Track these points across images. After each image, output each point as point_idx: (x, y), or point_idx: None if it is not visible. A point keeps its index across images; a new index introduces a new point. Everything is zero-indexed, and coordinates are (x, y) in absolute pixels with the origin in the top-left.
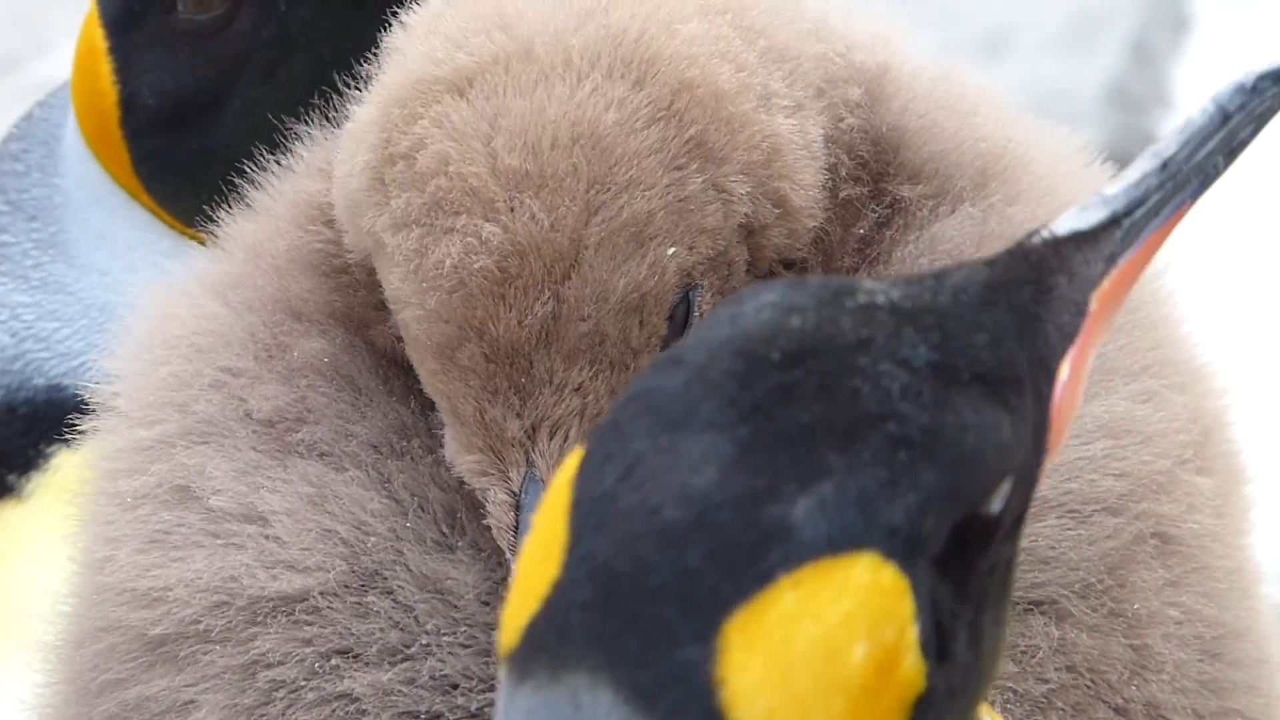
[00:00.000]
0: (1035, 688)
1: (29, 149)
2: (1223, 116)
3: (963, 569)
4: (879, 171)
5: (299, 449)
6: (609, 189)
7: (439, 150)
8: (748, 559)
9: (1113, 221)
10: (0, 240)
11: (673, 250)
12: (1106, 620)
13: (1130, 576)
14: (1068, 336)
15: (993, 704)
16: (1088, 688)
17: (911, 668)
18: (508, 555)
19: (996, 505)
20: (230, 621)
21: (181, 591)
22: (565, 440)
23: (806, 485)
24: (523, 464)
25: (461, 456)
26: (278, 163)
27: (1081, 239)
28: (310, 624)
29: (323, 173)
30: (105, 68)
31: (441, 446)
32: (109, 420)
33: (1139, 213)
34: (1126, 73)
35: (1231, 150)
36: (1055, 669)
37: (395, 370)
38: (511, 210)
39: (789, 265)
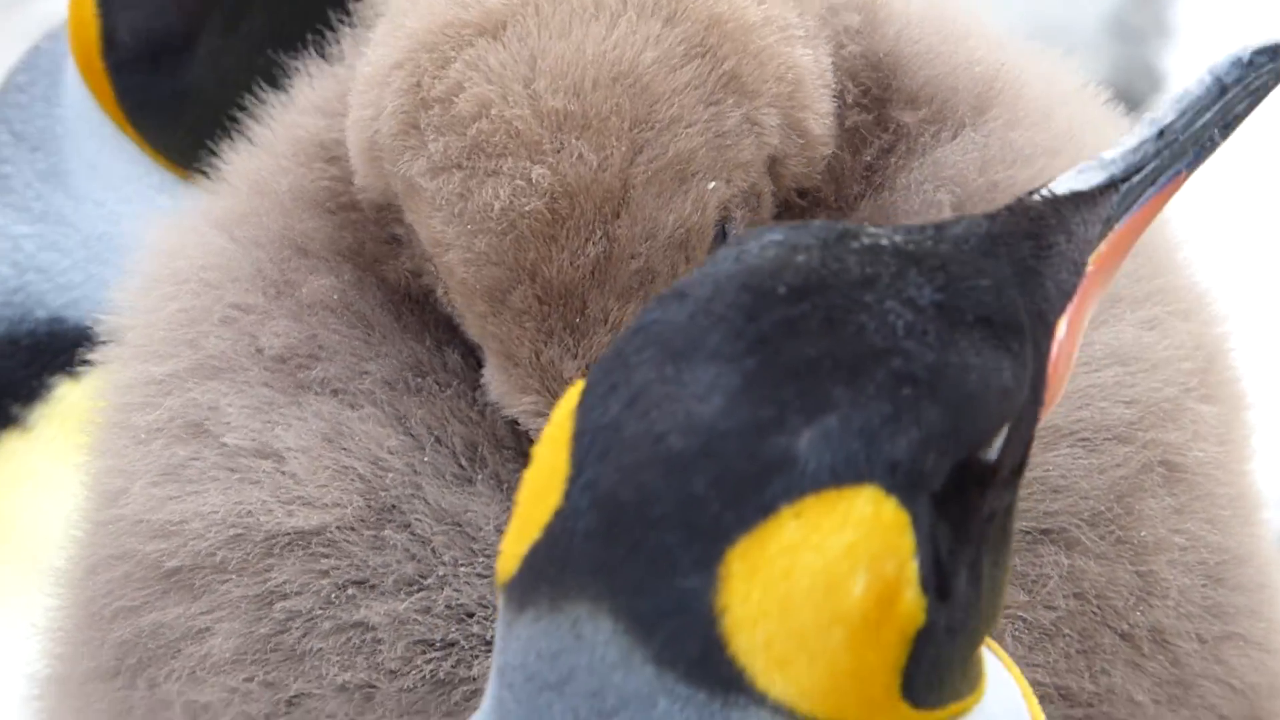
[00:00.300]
0: (1044, 615)
1: (34, 80)
2: (1219, 89)
3: (962, 511)
4: (881, 98)
5: (313, 386)
6: (653, 127)
7: (478, 94)
8: (751, 488)
9: (1111, 185)
10: (3, 171)
11: (713, 185)
12: (1114, 548)
13: (1138, 505)
14: (1065, 294)
15: (1002, 633)
16: (1094, 614)
17: (912, 602)
18: None
19: (994, 451)
20: (247, 554)
21: (197, 525)
22: None
23: (811, 417)
24: None
25: (517, 399)
26: (274, 99)
27: (1080, 200)
28: (327, 556)
29: (321, 110)
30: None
31: (459, 380)
32: (119, 353)
33: (1136, 178)
34: (1126, 4)
35: (1227, 124)
36: (1064, 596)
37: (408, 306)
38: (559, 151)
39: (803, 194)
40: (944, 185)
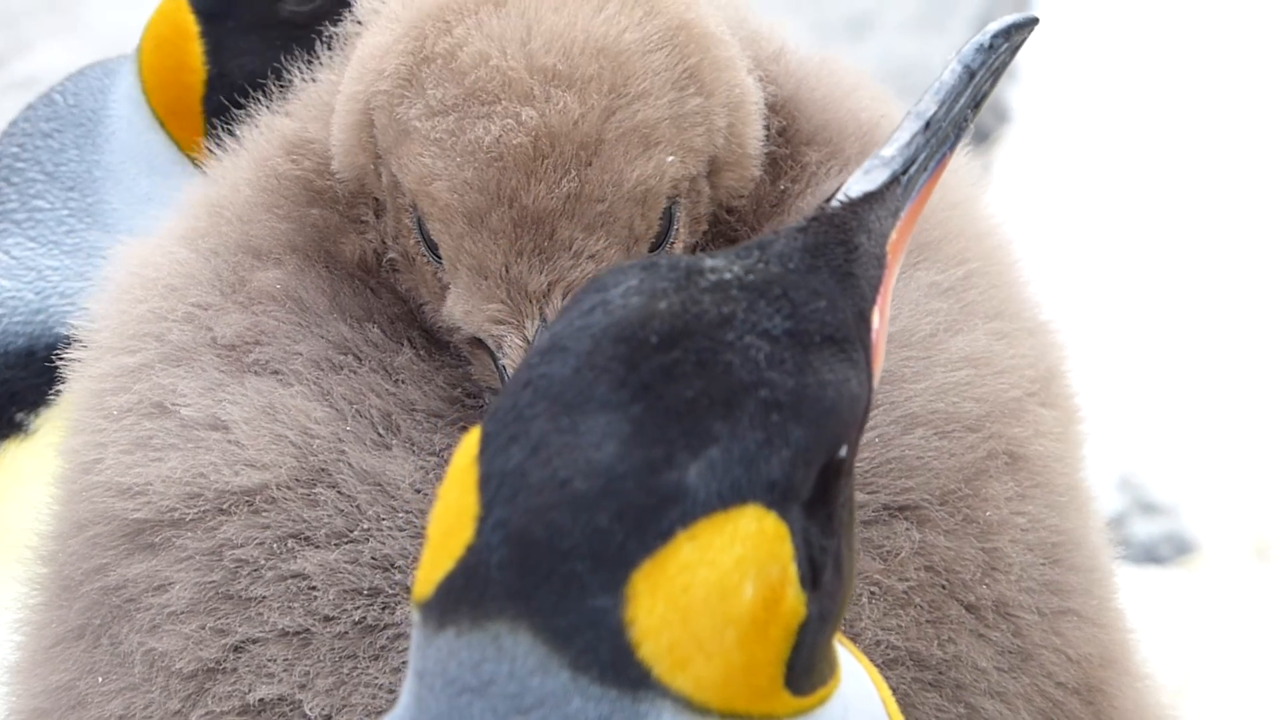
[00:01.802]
0: (897, 584)
1: (61, 129)
2: (969, 74)
3: (826, 508)
4: (793, 136)
5: (254, 368)
6: (626, 95)
7: (478, 49)
8: (650, 519)
9: (894, 180)
10: (35, 206)
11: (670, 159)
12: (962, 525)
13: (984, 487)
14: (875, 287)
15: (859, 597)
16: (943, 587)
17: (794, 599)
18: None
19: (844, 449)
20: (201, 510)
21: (160, 486)
22: None
23: (696, 452)
24: (537, 316)
25: (479, 307)
26: (234, 135)
27: (872, 198)
28: (268, 512)
29: (293, 114)
30: (196, 48)
31: (380, 353)
32: (94, 350)
33: (913, 169)
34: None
35: (977, 103)
36: (915, 569)
37: (346, 288)
38: (547, 100)
39: (730, 211)
40: None
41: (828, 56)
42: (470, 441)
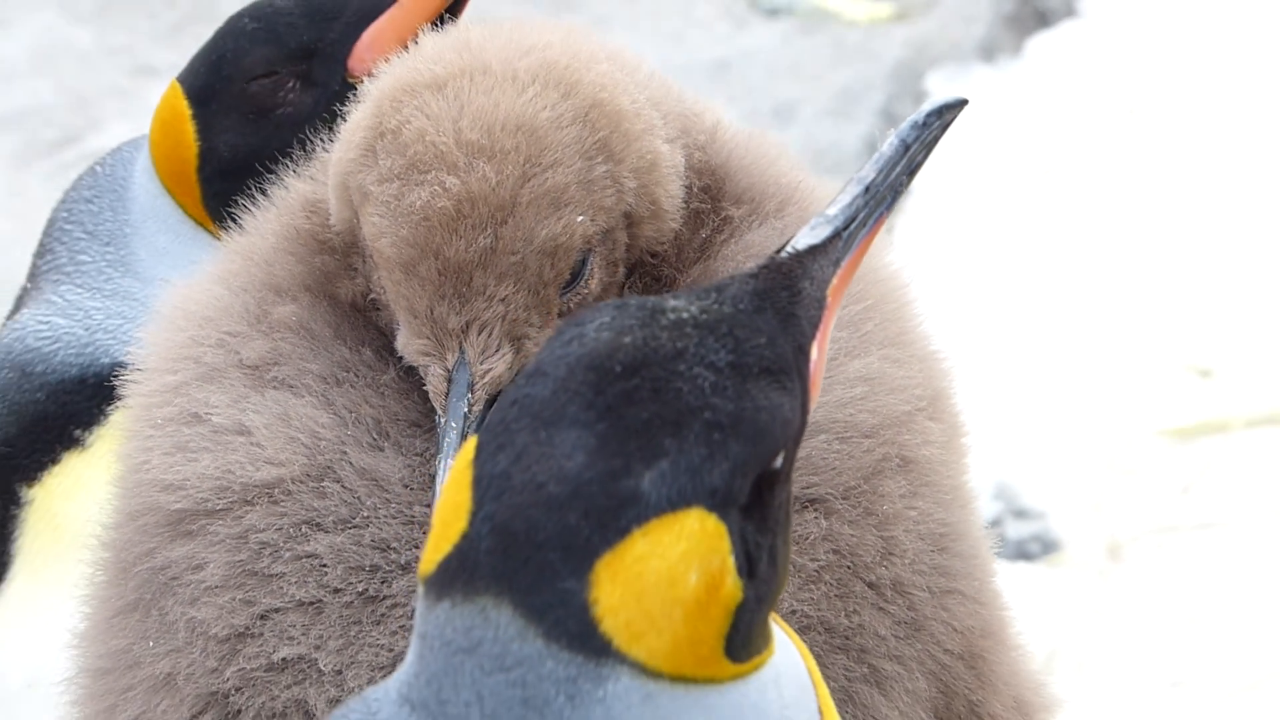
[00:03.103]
0: (809, 563)
1: (99, 194)
2: (904, 147)
3: (761, 510)
4: (716, 194)
5: (273, 383)
6: (539, 165)
7: (418, 126)
8: (610, 518)
9: (836, 235)
10: (79, 260)
11: (580, 218)
12: (862, 516)
13: (880, 485)
14: (814, 325)
15: None
16: (848, 567)
17: (732, 585)
18: (439, 414)
19: (780, 461)
20: (229, 501)
21: (196, 481)
22: (489, 336)
23: (650, 463)
24: (456, 350)
25: (412, 342)
26: (265, 193)
27: (816, 250)
28: (284, 503)
29: (313, 179)
30: (189, 128)
31: (373, 373)
32: (144, 371)
33: (853, 226)
34: (878, 132)
35: (911, 171)
36: (824, 551)
37: (346, 320)
38: (469, 169)
39: (654, 255)
40: (751, 257)
41: (755, 132)
42: (469, 448)
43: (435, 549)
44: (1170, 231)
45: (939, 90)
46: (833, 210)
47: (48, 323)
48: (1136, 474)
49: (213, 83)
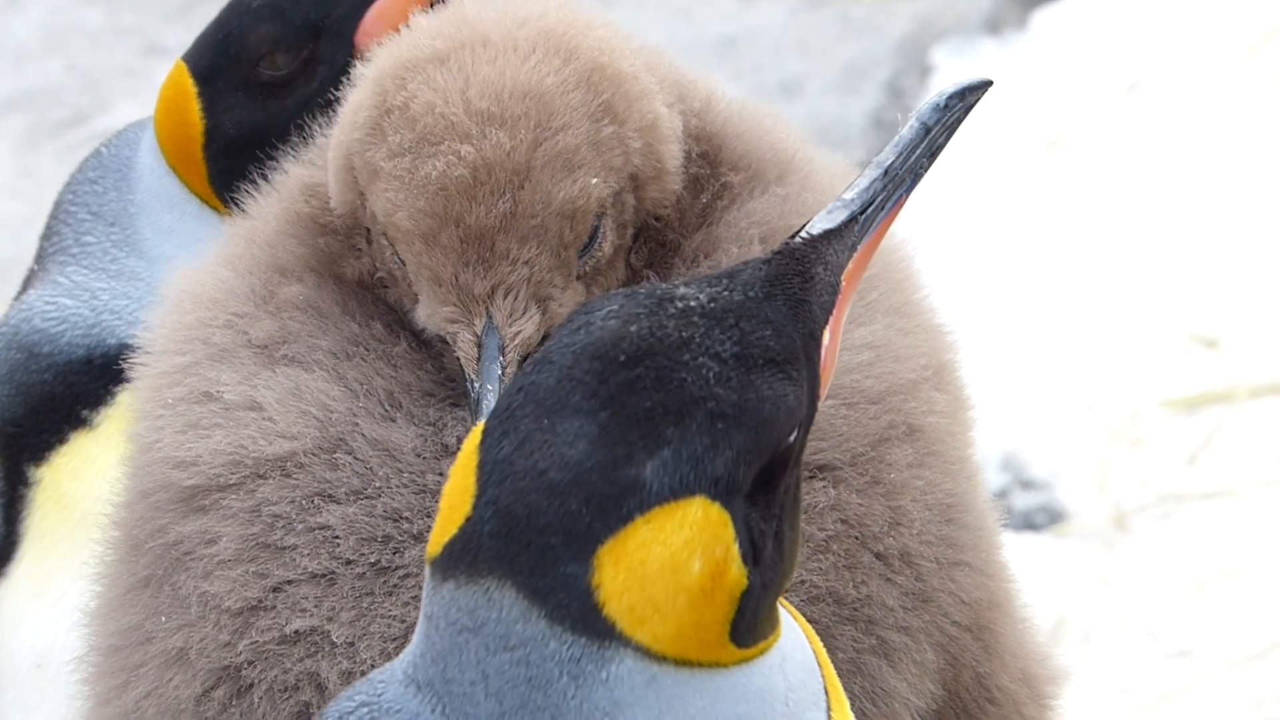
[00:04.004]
0: (818, 533)
1: (104, 175)
2: (925, 130)
3: (766, 497)
4: (714, 160)
5: (283, 361)
6: (549, 129)
7: (426, 99)
8: (613, 506)
9: (852, 219)
10: (85, 241)
11: (595, 180)
12: (870, 485)
13: (887, 453)
14: (827, 310)
15: None
16: (856, 537)
17: (737, 572)
18: (469, 376)
19: (791, 442)
20: (243, 475)
21: (208, 457)
22: (515, 299)
23: (652, 452)
24: (483, 315)
25: (439, 311)
26: (269, 173)
27: (831, 235)
28: (297, 475)
29: (311, 164)
30: (195, 106)
31: (382, 346)
32: (153, 353)
33: (870, 210)
34: (884, 107)
35: (933, 154)
36: (832, 521)
37: (354, 298)
38: (483, 137)
39: (658, 219)
40: (754, 225)
41: (749, 101)
42: (475, 434)
43: (441, 531)
44: (1175, 203)
45: (945, 65)
46: (850, 194)
47: (54, 303)
48: (1143, 444)
49: (219, 61)
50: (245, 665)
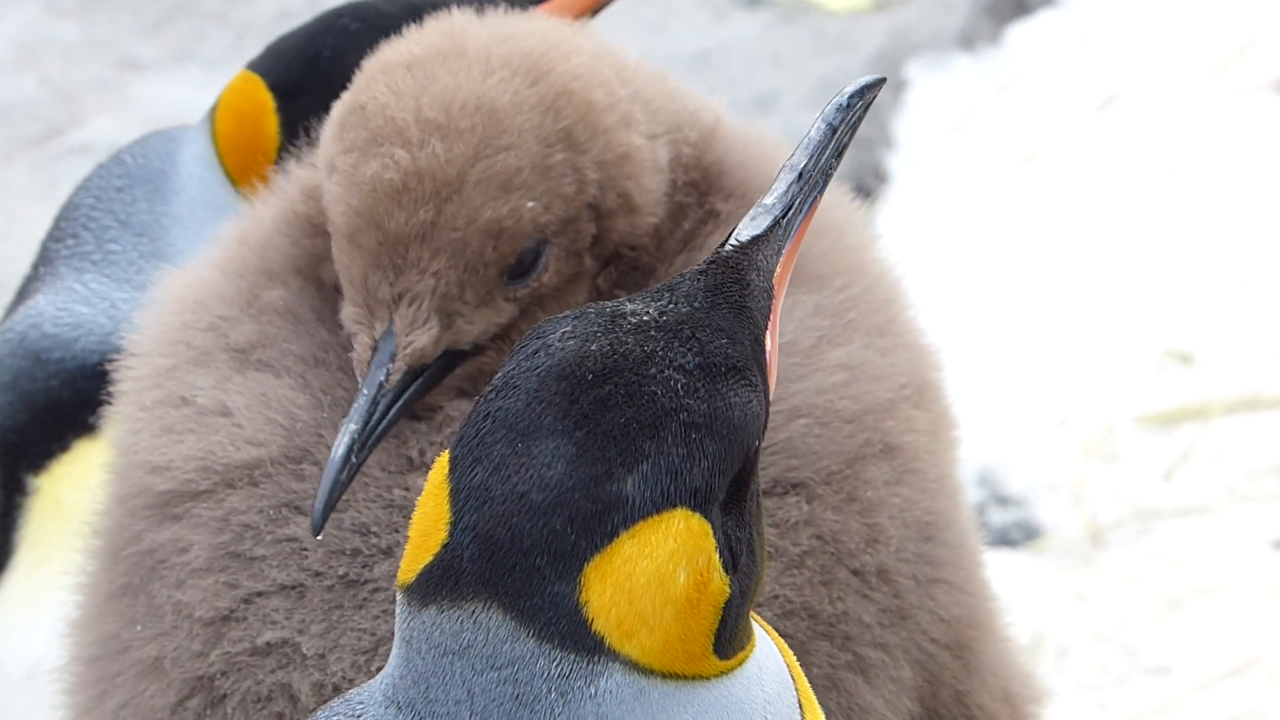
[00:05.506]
0: (791, 548)
1: (132, 185)
2: (831, 130)
3: (739, 505)
4: (705, 190)
5: (255, 365)
6: (493, 146)
7: (383, 101)
8: (597, 523)
9: (775, 224)
10: (109, 249)
11: (531, 204)
12: (845, 502)
13: (863, 471)
14: (765, 315)
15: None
16: (832, 553)
17: (719, 581)
18: (359, 379)
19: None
20: (213, 482)
21: (180, 462)
22: (418, 308)
23: (631, 467)
24: (385, 320)
25: (348, 310)
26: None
27: (759, 240)
28: (264, 484)
29: (313, 166)
30: (272, 120)
31: (350, 351)
32: (138, 356)
33: (790, 213)
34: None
35: (839, 153)
36: (806, 537)
37: (329, 304)
38: (420, 145)
39: (632, 248)
40: None
41: (753, 129)
42: (441, 463)
43: (414, 559)
44: (1149, 218)
45: (919, 80)
46: (770, 199)
47: (67, 310)
48: (1118, 460)
49: (306, 78)
50: (219, 676)
